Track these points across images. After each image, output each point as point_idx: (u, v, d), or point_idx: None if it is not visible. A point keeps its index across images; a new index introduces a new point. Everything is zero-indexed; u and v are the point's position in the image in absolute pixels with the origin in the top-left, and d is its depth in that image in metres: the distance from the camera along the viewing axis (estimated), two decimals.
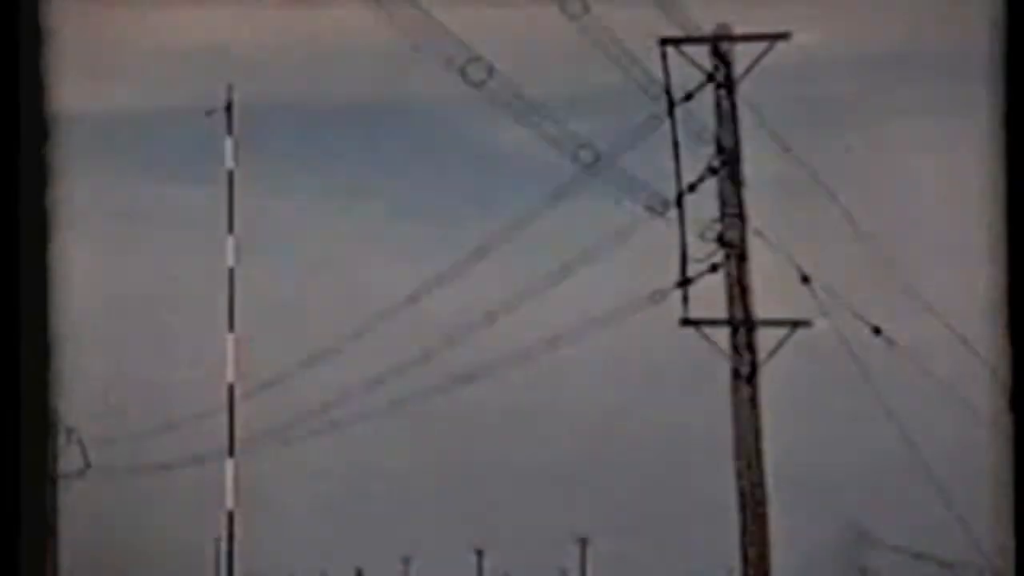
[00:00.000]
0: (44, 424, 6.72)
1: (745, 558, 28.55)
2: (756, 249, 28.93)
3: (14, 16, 6.11)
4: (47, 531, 6.57)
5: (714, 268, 28.73)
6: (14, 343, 6.58)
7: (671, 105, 29.08)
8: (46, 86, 6.45)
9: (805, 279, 29.03)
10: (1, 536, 6.22)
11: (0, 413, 6.41)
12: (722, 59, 28.97)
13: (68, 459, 57.40)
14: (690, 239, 28.88)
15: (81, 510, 59.51)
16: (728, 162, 29.01)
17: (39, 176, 6.60)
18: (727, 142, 29.07)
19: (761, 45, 28.88)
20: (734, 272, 28.76)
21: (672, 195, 29.12)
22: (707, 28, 29.00)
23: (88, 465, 58.02)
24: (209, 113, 45.77)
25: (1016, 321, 5.32)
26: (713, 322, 28.86)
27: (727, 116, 29.14)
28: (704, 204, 28.97)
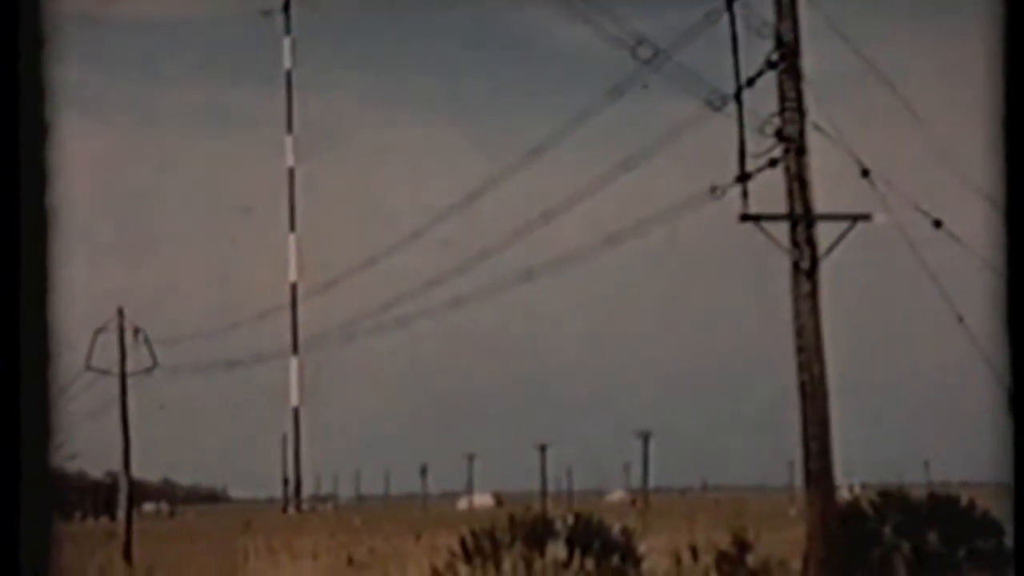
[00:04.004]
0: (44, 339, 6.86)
1: (807, 451, 28.69)
2: (815, 143, 28.85)
3: (14, 18, 6.17)
4: (48, 430, 6.77)
5: (773, 163, 28.67)
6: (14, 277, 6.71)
7: None
8: (46, 88, 6.53)
9: (865, 172, 28.95)
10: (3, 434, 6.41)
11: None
12: None
13: (136, 358, 58.15)
14: (749, 134, 28.81)
15: (149, 407, 60.21)
16: (787, 56, 28.85)
17: (39, 176, 6.70)
18: (786, 35, 28.91)
19: None
20: (793, 166, 28.69)
21: (730, 90, 29.05)
22: None
23: (156, 363, 58.80)
24: (265, 14, 45.66)
25: (1016, 323, 5.40)
26: (772, 217, 28.85)
27: (786, 9, 28.95)
28: (763, 98, 28.88)
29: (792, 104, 28.69)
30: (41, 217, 6.64)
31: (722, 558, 29.23)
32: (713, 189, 28.89)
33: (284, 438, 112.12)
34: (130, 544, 55.90)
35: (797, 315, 28.56)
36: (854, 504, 29.95)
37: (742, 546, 29.25)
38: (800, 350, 28.54)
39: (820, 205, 28.88)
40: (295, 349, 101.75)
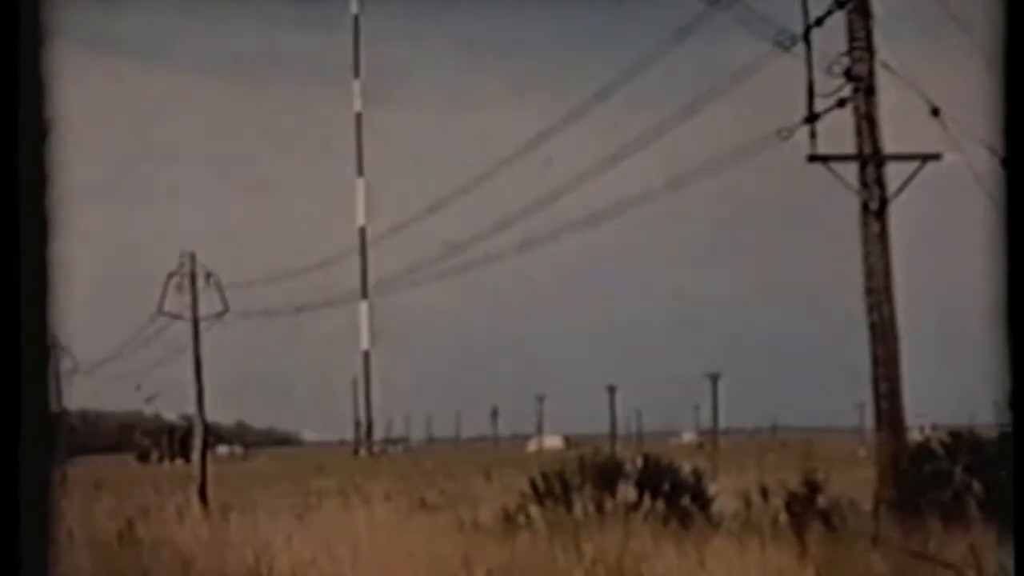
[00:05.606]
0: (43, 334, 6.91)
1: (877, 393, 28.64)
2: (884, 82, 28.66)
3: (14, 16, 6.21)
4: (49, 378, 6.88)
5: (842, 103, 28.52)
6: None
7: None
8: (46, 86, 6.57)
9: (935, 112, 28.75)
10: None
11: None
12: None
13: (207, 303, 58.62)
14: (817, 74, 28.67)
15: (220, 351, 60.74)
16: None
17: (39, 175, 6.75)
18: None
19: None
20: (862, 106, 28.52)
21: (799, 29, 28.89)
22: None
23: (226, 308, 59.23)
24: None
25: (1016, 324, 5.40)
26: (841, 157, 28.72)
27: None
28: (831, 38, 28.70)
29: (861, 43, 28.52)
30: (41, 216, 6.68)
31: (792, 499, 29.28)
32: (781, 130, 28.80)
33: (355, 382, 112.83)
34: (205, 485, 56.58)
35: (866, 256, 28.48)
36: (924, 445, 29.91)
37: (812, 487, 29.29)
38: (869, 291, 28.47)
39: (889, 145, 28.74)
40: (364, 293, 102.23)
